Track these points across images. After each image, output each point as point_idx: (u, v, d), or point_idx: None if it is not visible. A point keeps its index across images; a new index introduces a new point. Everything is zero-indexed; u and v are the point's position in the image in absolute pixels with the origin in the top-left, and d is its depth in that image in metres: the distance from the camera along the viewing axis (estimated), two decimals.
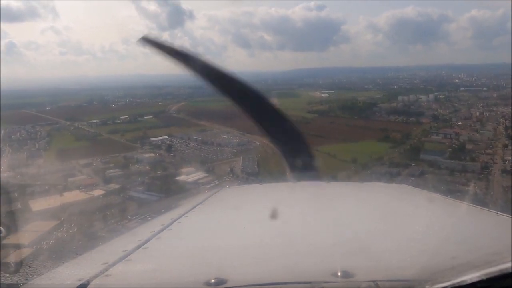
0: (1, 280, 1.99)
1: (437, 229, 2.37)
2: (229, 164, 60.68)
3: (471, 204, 3.11)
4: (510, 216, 2.60)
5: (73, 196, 47.26)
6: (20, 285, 1.91)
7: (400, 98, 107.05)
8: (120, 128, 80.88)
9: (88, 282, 1.61)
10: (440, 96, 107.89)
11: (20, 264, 2.12)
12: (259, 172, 56.96)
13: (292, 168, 4.59)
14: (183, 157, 64.18)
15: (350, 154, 63.35)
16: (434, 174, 52.66)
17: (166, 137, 74.30)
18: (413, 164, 58.68)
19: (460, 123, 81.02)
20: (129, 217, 42.07)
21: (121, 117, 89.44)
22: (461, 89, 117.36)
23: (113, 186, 50.94)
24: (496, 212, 2.82)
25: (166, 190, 49.24)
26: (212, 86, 4.67)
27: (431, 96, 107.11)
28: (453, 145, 66.24)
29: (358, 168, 57.10)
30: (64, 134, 78.22)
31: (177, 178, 53.62)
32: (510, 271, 1.21)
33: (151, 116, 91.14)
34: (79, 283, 1.59)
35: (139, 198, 47.16)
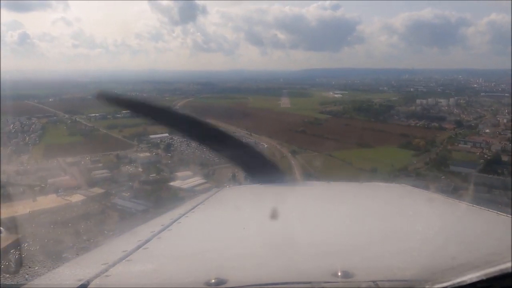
0: (1, 280, 1.96)
1: (437, 229, 2.25)
2: (232, 168, 51.87)
3: (471, 204, 2.93)
4: (510, 216, 2.46)
5: (48, 202, 38.96)
6: (20, 285, 1.80)
7: (418, 101, 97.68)
8: (119, 123, 72.58)
9: (88, 282, 1.55)
10: (461, 101, 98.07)
11: (20, 264, 2.10)
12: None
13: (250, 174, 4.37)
14: (182, 158, 55.58)
15: (369, 162, 54.01)
16: (469, 190, 43.08)
17: (167, 134, 65.66)
18: (443, 177, 49.18)
19: (487, 130, 71.69)
20: (105, 232, 33.49)
21: (123, 111, 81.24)
22: (482, 94, 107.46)
23: (96, 190, 42.63)
24: (496, 212, 2.65)
25: (155, 198, 40.63)
26: (172, 128, 4.45)
27: (451, 100, 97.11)
28: (485, 156, 56.63)
29: (379, 179, 47.68)
30: (59, 128, 70.45)
31: (171, 183, 45.06)
32: (510, 271, 1.18)
33: None
34: (79, 283, 1.53)
35: (123, 207, 38.72)
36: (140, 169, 49.74)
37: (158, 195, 41.49)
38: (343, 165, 52.10)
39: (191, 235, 2.56)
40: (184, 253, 2.09)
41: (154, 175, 47.96)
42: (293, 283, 1.44)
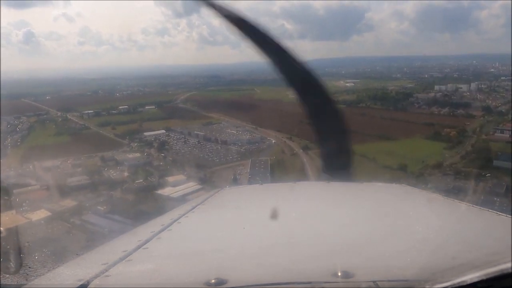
0: (1, 280, 1.92)
1: (437, 229, 2.19)
2: (233, 170, 42.32)
3: (471, 204, 2.84)
4: (510, 216, 2.38)
5: (2, 221, 29.45)
6: (20, 285, 1.80)
7: (437, 87, 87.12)
8: (113, 119, 63.82)
9: (88, 282, 1.52)
10: (482, 86, 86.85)
11: (20, 264, 2.07)
12: (272, 182, 37.80)
13: (326, 166, 4.01)
14: (176, 158, 46.16)
15: (395, 157, 43.80)
16: None
17: (163, 131, 56.56)
18: (487, 174, 38.71)
19: None
20: None
21: (120, 107, 72.26)
22: (502, 78, 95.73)
23: (67, 203, 33.52)
24: (496, 212, 2.57)
25: (137, 213, 31.18)
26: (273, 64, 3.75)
27: (472, 85, 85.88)
28: None
29: (410, 179, 37.39)
30: (48, 127, 61.71)
31: (159, 191, 35.63)
32: (510, 271, 1.16)
33: (153, 106, 73.44)
34: (79, 283, 1.50)
35: (95, 226, 29.50)
36: (125, 174, 40.49)
37: (141, 208, 32.08)
38: (365, 163, 41.98)
39: (191, 235, 2.45)
40: (184, 253, 2.01)
41: (140, 180, 38.60)
42: (293, 283, 1.41)
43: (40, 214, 31.06)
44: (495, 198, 33.10)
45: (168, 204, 31.93)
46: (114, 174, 40.30)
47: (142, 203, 33.39)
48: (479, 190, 34.79)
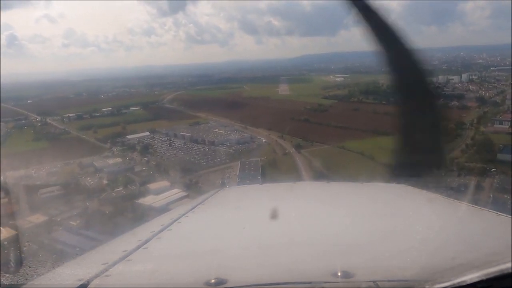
0: (1, 280, 1.90)
1: (437, 229, 2.16)
2: (221, 173, 38.65)
3: (471, 204, 2.79)
4: (510, 216, 2.36)
5: None
6: (20, 285, 1.79)
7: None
8: (96, 122, 59.63)
9: (88, 282, 1.51)
10: (473, 76, 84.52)
11: (20, 264, 2.04)
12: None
13: (400, 165, 3.78)
14: (160, 163, 42.27)
15: (392, 153, 40.35)
16: None
17: (147, 133, 52.62)
18: (493, 169, 35.63)
19: None
20: None
21: (103, 109, 67.99)
22: (492, 68, 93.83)
23: (36, 218, 29.50)
24: (496, 212, 2.53)
25: (114, 227, 27.36)
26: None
27: (463, 76, 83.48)
28: None
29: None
30: (25, 132, 57.28)
31: (140, 200, 31.78)
32: (510, 271, 1.16)
33: (138, 108, 69.24)
34: (79, 283, 1.49)
35: (64, 246, 25.58)
36: (104, 181, 36.52)
37: (118, 221, 28.23)
38: (362, 160, 38.67)
39: (191, 235, 2.42)
40: (184, 253, 1.99)
41: (120, 189, 34.68)
42: (293, 283, 1.40)
43: (3, 234, 26.98)
44: (505, 195, 30.01)
45: (150, 215, 28.16)
46: (92, 183, 36.31)
47: (120, 215, 29.55)
48: (486, 187, 31.65)
